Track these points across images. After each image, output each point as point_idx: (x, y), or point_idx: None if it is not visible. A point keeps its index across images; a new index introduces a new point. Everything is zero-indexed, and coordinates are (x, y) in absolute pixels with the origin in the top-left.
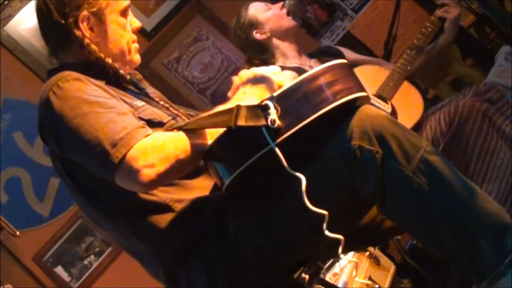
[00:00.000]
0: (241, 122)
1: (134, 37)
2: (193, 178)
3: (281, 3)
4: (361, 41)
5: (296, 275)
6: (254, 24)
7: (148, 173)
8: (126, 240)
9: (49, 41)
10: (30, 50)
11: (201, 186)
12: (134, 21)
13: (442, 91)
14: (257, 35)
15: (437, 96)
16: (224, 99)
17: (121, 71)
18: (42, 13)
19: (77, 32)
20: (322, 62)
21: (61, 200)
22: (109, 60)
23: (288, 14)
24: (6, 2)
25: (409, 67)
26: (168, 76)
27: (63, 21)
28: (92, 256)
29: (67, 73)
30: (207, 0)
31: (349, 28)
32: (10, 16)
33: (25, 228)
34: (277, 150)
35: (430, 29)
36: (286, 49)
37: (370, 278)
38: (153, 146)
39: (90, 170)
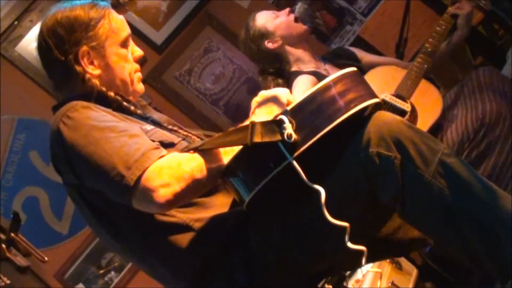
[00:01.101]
0: (257, 138)
1: (137, 66)
2: (211, 196)
3: (287, 9)
4: (371, 45)
5: (319, 285)
6: (265, 34)
7: (164, 193)
8: (146, 264)
9: (53, 77)
10: (42, 69)
11: (219, 204)
12: (135, 50)
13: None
14: (269, 45)
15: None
16: (237, 109)
17: (125, 103)
18: (43, 50)
19: (78, 68)
20: (336, 66)
21: (80, 218)
22: (111, 94)
23: (297, 20)
24: (16, 22)
25: (425, 66)
26: (180, 88)
27: (63, 58)
28: (112, 272)
29: (74, 102)
30: (216, 10)
31: (359, 33)
32: (21, 36)
33: (44, 247)
34: (295, 164)
35: (443, 27)
36: (300, 54)
37: (393, 284)
38: (169, 166)
39: (109, 196)
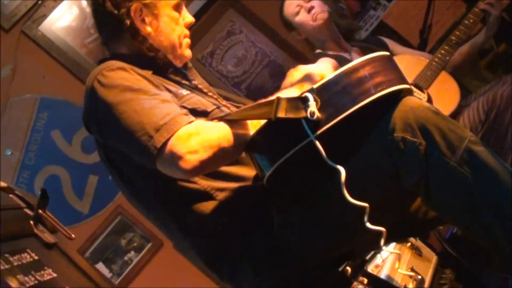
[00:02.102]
0: (281, 114)
1: (187, 32)
2: (235, 166)
3: (310, 4)
4: (395, 30)
5: (340, 269)
6: (290, 26)
7: (191, 159)
8: (167, 229)
9: (102, 31)
10: (65, 49)
11: (243, 176)
12: (187, 16)
13: (471, 84)
14: (296, 37)
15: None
16: (259, 92)
17: (170, 60)
18: (96, 3)
19: (129, 22)
20: (363, 50)
21: (100, 197)
22: (160, 48)
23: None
24: (40, 2)
25: (447, 57)
26: (202, 71)
27: (115, 11)
28: (132, 252)
29: (112, 62)
30: None
31: (383, 17)
32: (45, 16)
33: (65, 226)
34: (317, 142)
35: (472, 21)
36: (324, 43)
37: (412, 269)
38: (196, 132)
39: (131, 156)
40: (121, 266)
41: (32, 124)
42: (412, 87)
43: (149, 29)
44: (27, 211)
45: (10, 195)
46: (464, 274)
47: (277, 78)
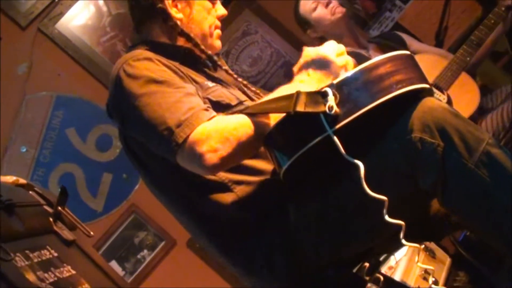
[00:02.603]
0: (300, 108)
1: (218, 23)
2: (254, 160)
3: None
4: (410, 32)
5: (355, 269)
6: (306, 24)
7: (211, 158)
8: (184, 217)
9: (134, 15)
10: (81, 47)
11: (261, 169)
12: (220, 8)
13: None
14: (311, 35)
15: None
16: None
17: (201, 47)
18: None
19: (161, 6)
20: (380, 46)
21: (114, 196)
22: (191, 35)
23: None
24: (56, 0)
25: (468, 58)
26: None
27: None
28: (145, 251)
29: (139, 51)
30: None
31: (398, 19)
32: (61, 14)
33: None
34: (334, 137)
35: (493, 21)
36: (341, 39)
37: (426, 271)
38: (216, 129)
39: (151, 149)
40: (134, 264)
41: (48, 122)
42: (433, 88)
43: (180, 15)
44: (47, 208)
45: (30, 192)
46: (478, 277)
47: (292, 78)
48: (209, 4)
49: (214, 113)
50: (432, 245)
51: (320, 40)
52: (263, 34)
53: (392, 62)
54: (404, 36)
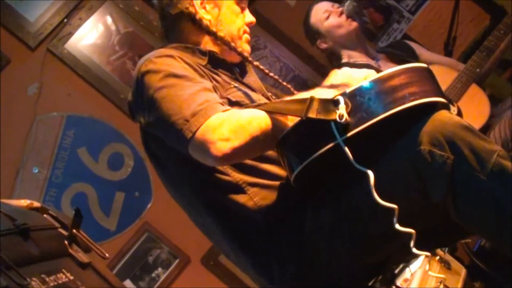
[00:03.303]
0: (312, 114)
1: (247, 28)
2: (269, 164)
3: (340, 9)
4: (419, 43)
5: (371, 282)
6: (316, 34)
7: (222, 146)
8: (198, 215)
9: (164, 18)
10: (91, 66)
11: (276, 174)
12: (249, 15)
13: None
14: (321, 45)
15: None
16: None
17: (231, 44)
18: None
19: (190, 8)
20: (389, 56)
21: (127, 214)
22: (221, 34)
23: (348, 18)
24: (65, 20)
25: (478, 70)
26: None
27: None
28: (159, 269)
29: (163, 49)
30: (263, 9)
31: (407, 31)
32: (70, 34)
33: None
34: (344, 145)
35: (503, 32)
36: (351, 52)
37: (442, 283)
38: (229, 120)
39: (167, 141)
40: (148, 282)
41: (59, 142)
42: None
43: (209, 16)
44: (62, 231)
45: (45, 215)
46: (494, 286)
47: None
48: (237, 9)
49: (228, 107)
50: (447, 257)
51: (329, 53)
52: (272, 49)
53: (407, 74)
54: (413, 45)
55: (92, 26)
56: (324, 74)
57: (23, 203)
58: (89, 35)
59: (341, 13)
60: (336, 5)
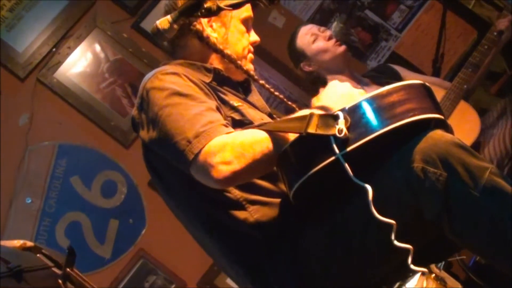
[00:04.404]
0: (312, 129)
1: (251, 47)
2: (269, 181)
3: (327, 33)
4: (407, 60)
5: None
6: (302, 56)
7: (223, 170)
8: (197, 231)
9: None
10: (81, 95)
11: (276, 191)
12: (253, 35)
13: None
14: (305, 67)
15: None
16: None
17: (238, 63)
18: (169, 7)
19: (198, 26)
20: (374, 80)
21: (122, 241)
22: (228, 51)
23: (336, 42)
24: (54, 49)
25: (465, 86)
26: None
27: None
28: None
29: (168, 66)
30: None
31: (394, 48)
32: (59, 63)
33: (88, 272)
34: (343, 160)
35: (486, 47)
36: (336, 76)
37: None
38: (232, 143)
39: (168, 159)
40: None
41: (51, 171)
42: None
43: (215, 34)
44: (55, 269)
45: (38, 255)
46: None
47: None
48: (243, 28)
49: (232, 129)
50: (442, 274)
51: (314, 75)
52: (261, 71)
53: (406, 90)
54: (398, 68)
55: (81, 55)
56: (314, 93)
57: (16, 243)
58: (78, 64)
59: (329, 38)
60: (323, 28)
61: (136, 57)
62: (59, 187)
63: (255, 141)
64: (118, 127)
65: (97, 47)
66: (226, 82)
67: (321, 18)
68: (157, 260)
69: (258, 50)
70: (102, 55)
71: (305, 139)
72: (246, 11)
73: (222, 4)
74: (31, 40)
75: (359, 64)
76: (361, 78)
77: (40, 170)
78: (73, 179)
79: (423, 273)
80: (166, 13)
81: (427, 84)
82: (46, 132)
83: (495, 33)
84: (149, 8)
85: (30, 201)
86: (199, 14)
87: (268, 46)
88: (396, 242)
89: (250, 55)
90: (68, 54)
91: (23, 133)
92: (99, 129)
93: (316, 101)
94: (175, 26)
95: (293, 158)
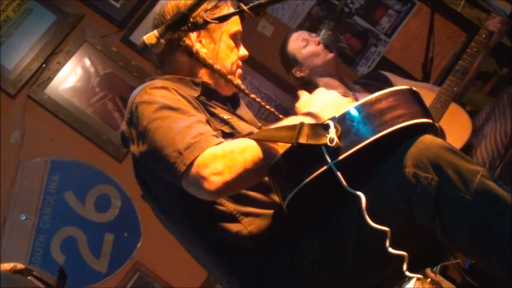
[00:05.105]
0: (303, 140)
1: (239, 62)
2: (261, 192)
3: (317, 38)
4: (397, 65)
5: None
6: (293, 62)
7: (214, 181)
8: (191, 245)
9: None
10: (72, 110)
11: (269, 202)
12: (242, 49)
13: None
14: (296, 73)
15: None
16: None
17: (228, 77)
18: (158, 20)
19: (187, 41)
20: (365, 87)
21: (118, 255)
22: (217, 66)
23: (325, 48)
24: (44, 65)
25: (455, 89)
26: None
27: None
28: None
29: (157, 81)
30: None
31: (384, 53)
32: (49, 79)
33: (85, 287)
34: (335, 169)
35: (475, 49)
36: (327, 81)
37: None
38: (223, 154)
39: (160, 173)
40: None
41: (45, 187)
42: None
43: (204, 50)
44: None
45: (29, 277)
46: None
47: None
48: (232, 43)
49: (222, 139)
50: (438, 278)
51: (306, 81)
52: (251, 80)
53: (394, 97)
54: (388, 75)
55: (71, 70)
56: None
57: (6, 266)
58: (69, 79)
59: (319, 43)
60: (314, 34)
61: (126, 71)
62: (53, 203)
63: (245, 151)
64: (110, 141)
65: (87, 62)
66: (215, 96)
67: (310, 26)
68: (153, 273)
69: (248, 58)
70: (92, 69)
71: (296, 149)
72: (235, 25)
73: (208, 18)
74: (20, 56)
75: (349, 70)
76: (352, 85)
77: (34, 187)
78: (67, 194)
79: (418, 278)
80: (155, 26)
81: (414, 89)
82: (38, 148)
83: (484, 35)
84: (137, 21)
85: (24, 217)
86: (185, 28)
87: (258, 55)
88: (390, 249)
89: (239, 70)
90: (58, 70)
91: (15, 150)
92: (91, 143)
93: (302, 107)
94: (162, 41)
95: (285, 169)
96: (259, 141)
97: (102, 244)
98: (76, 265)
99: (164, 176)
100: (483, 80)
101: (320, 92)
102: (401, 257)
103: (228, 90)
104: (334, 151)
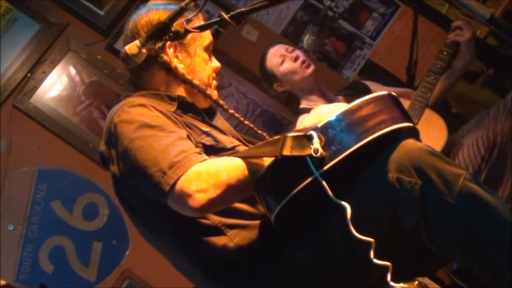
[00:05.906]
0: (287, 152)
1: (214, 74)
2: (246, 203)
3: (294, 54)
4: (382, 68)
5: None
6: (272, 78)
7: (199, 198)
8: (178, 260)
9: (134, 68)
10: (58, 119)
11: (254, 214)
12: (215, 61)
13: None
14: (278, 88)
15: (459, 113)
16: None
17: (206, 92)
18: (128, 39)
19: (165, 57)
20: (346, 97)
21: (106, 263)
22: (196, 82)
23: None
24: (29, 75)
25: (428, 94)
26: None
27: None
28: None
29: (133, 98)
30: (225, 46)
31: (369, 56)
32: (35, 88)
33: None
34: (321, 179)
35: (445, 53)
36: (308, 95)
37: None
38: (208, 171)
39: (143, 191)
40: None
41: (32, 197)
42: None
43: (181, 65)
44: None
45: None
46: None
47: (271, 126)
48: (206, 56)
49: (206, 156)
50: (425, 280)
51: (287, 95)
52: (237, 86)
53: (375, 103)
54: (369, 83)
55: (56, 79)
56: (291, 110)
57: None
58: (54, 88)
59: (296, 59)
60: (291, 48)
61: (111, 78)
62: (41, 212)
63: (230, 168)
64: (96, 149)
65: (72, 70)
66: (191, 109)
67: (295, 30)
68: (143, 280)
69: (234, 64)
70: (77, 78)
71: (281, 162)
72: (207, 37)
73: (189, 27)
74: (5, 66)
75: (335, 74)
76: (334, 97)
77: (21, 196)
78: (54, 203)
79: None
80: (128, 37)
81: (393, 93)
82: (25, 157)
83: (451, 40)
84: (122, 29)
85: (12, 227)
86: (167, 37)
87: (243, 60)
88: (375, 260)
89: (214, 82)
90: (43, 79)
91: (2, 159)
92: (78, 152)
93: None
94: (144, 50)
95: (271, 182)
96: (244, 158)
97: (90, 253)
98: (64, 274)
99: (147, 194)
100: (470, 80)
101: (316, 108)
102: (385, 267)
103: (205, 102)
104: (319, 162)
